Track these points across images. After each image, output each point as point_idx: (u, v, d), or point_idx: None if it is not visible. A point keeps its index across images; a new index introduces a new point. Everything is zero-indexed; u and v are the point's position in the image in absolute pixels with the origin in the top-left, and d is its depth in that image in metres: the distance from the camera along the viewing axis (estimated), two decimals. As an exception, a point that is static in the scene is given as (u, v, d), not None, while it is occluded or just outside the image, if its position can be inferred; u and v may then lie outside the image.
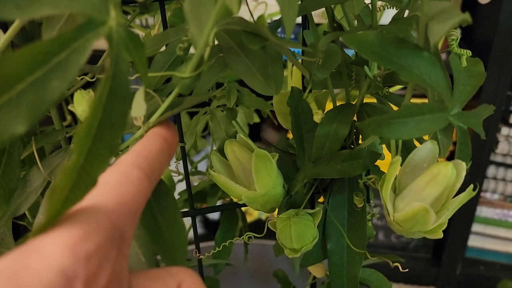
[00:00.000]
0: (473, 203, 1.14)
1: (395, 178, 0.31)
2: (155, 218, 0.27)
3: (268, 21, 0.80)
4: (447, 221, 0.29)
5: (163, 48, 0.34)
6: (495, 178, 1.17)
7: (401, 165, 0.31)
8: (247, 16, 0.38)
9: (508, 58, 0.98)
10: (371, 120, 0.25)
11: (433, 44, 0.24)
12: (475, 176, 1.12)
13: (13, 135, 0.16)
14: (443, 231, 0.29)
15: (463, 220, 1.17)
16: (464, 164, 0.28)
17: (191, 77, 0.25)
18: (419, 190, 0.28)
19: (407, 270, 0.36)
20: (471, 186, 0.28)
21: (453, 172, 0.27)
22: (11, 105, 0.16)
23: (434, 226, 0.29)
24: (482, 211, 1.21)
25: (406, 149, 0.34)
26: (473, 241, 1.24)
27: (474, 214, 1.17)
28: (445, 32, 0.22)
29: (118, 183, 0.21)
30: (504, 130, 1.11)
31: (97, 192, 0.20)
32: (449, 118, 0.28)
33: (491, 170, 1.16)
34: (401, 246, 1.33)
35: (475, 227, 1.22)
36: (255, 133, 0.74)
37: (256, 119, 0.72)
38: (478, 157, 1.10)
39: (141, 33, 1.05)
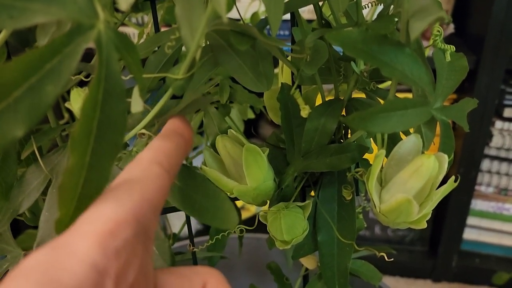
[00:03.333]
0: (468, 196, 1.15)
1: (381, 171, 0.32)
2: (191, 198, 0.28)
3: (262, 17, 0.81)
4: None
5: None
6: (489, 172, 1.18)
7: (386, 157, 0.32)
8: (242, 12, 0.39)
9: (501, 51, 0.98)
10: (355, 114, 0.26)
11: (413, 40, 0.24)
12: (470, 170, 1.12)
13: (14, 139, 0.17)
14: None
15: (458, 213, 1.17)
16: (446, 156, 0.29)
17: (184, 78, 0.26)
18: (403, 182, 0.29)
19: (391, 259, 0.37)
20: (453, 177, 0.29)
21: (435, 164, 0.28)
22: (9, 111, 0.16)
23: (418, 217, 0.30)
24: (477, 204, 1.22)
25: (392, 142, 0.35)
26: (469, 234, 1.25)
27: (469, 207, 1.18)
28: (422, 29, 0.23)
29: (139, 179, 0.21)
30: (498, 124, 1.11)
31: (120, 189, 0.20)
32: (431, 112, 0.29)
33: (485, 164, 1.17)
34: (398, 240, 1.33)
35: (470, 220, 1.23)
36: (251, 129, 0.75)
37: (252, 115, 0.73)
38: (473, 151, 1.11)
39: (135, 31, 1.06)
